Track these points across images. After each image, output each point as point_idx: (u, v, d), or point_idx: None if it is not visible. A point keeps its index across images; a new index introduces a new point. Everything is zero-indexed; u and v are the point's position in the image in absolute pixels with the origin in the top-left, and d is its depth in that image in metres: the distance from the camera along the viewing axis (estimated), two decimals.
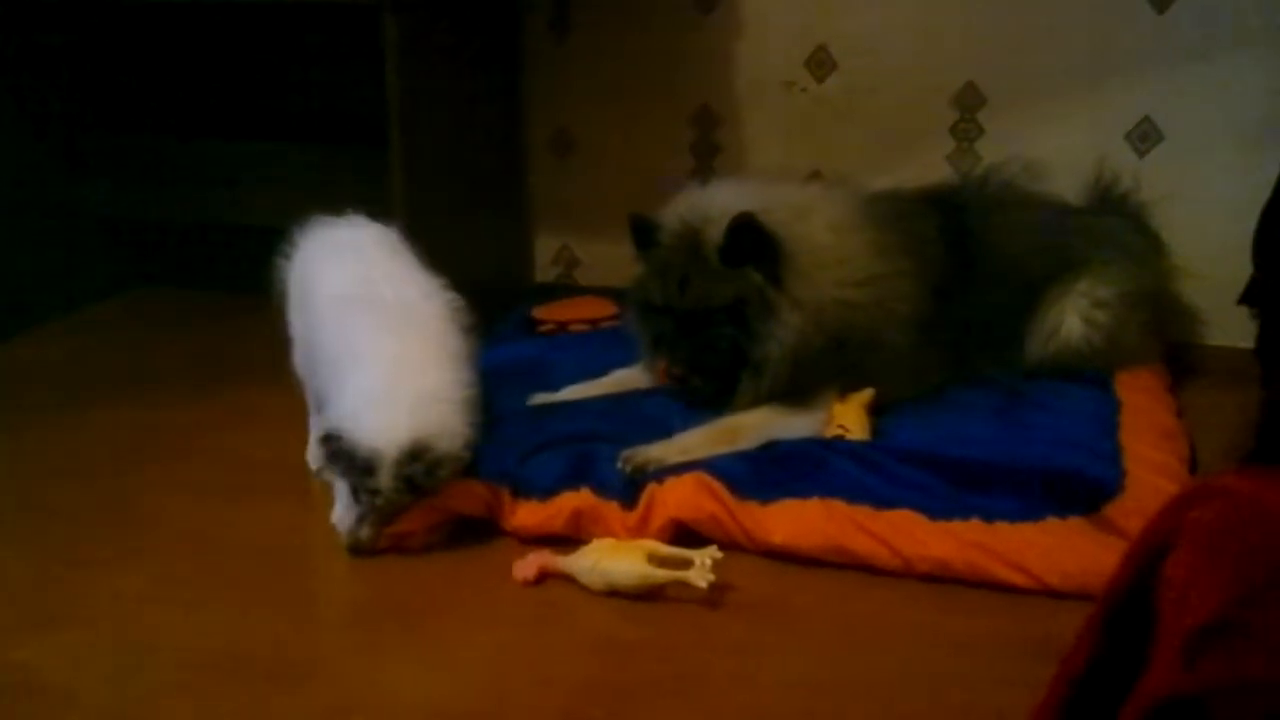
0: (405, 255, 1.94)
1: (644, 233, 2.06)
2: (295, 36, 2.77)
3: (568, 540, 1.77)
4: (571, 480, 1.81)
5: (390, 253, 1.93)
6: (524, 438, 1.92)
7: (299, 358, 1.94)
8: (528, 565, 1.69)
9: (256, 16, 2.74)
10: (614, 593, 1.64)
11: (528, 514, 1.80)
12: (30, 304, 2.75)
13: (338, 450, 1.66)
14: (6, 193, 2.71)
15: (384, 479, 1.66)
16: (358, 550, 1.74)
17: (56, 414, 2.28)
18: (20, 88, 2.71)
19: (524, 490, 1.81)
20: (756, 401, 1.98)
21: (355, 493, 1.70)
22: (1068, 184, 2.34)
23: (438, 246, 2.39)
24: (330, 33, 2.70)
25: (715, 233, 1.96)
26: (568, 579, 1.68)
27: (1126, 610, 0.81)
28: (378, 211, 2.23)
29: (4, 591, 1.68)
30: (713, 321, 1.98)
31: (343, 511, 1.75)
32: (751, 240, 1.94)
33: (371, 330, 1.78)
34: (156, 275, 3.05)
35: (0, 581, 1.70)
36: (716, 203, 2.01)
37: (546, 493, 1.80)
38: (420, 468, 1.66)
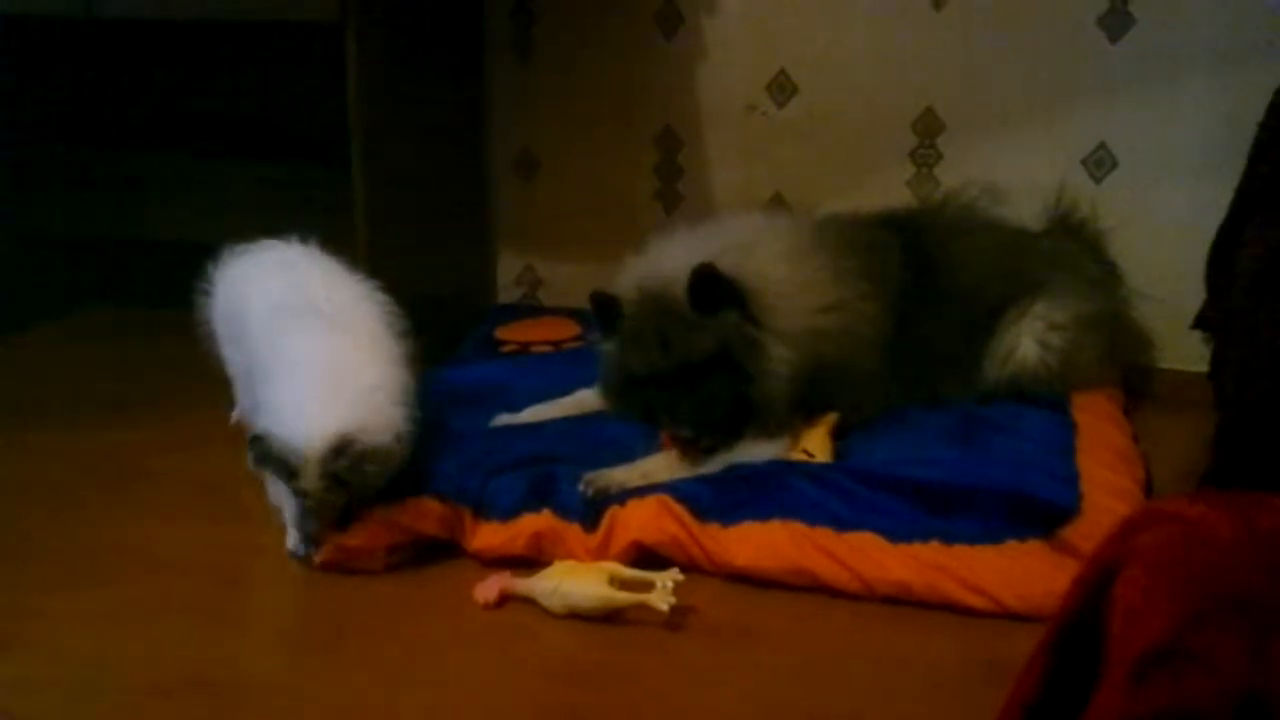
0: (333, 265, 1.95)
1: (607, 309, 2.00)
2: (258, 55, 2.76)
3: (529, 562, 1.76)
4: (533, 502, 1.80)
5: (318, 263, 1.94)
6: (486, 459, 1.90)
7: (241, 394, 1.92)
8: (488, 587, 1.69)
9: (218, 34, 2.73)
10: (575, 615, 1.63)
11: (489, 535, 1.79)
12: None
13: (264, 453, 1.65)
14: None
15: (309, 477, 1.64)
16: (297, 556, 1.73)
17: (2, 435, 2.24)
18: None
19: (485, 512, 1.80)
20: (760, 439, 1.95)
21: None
22: (1025, 209, 2.37)
23: (400, 266, 2.39)
24: (293, 51, 2.69)
25: (680, 288, 1.93)
26: (529, 601, 1.67)
27: (1076, 633, 0.82)
28: (340, 230, 2.23)
29: None
30: (704, 374, 1.93)
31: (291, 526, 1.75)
32: (718, 286, 1.92)
33: (300, 334, 1.78)
34: (110, 293, 3.01)
35: None
36: (668, 261, 1.98)
37: (507, 514, 1.79)
38: (345, 463, 1.65)
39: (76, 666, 1.53)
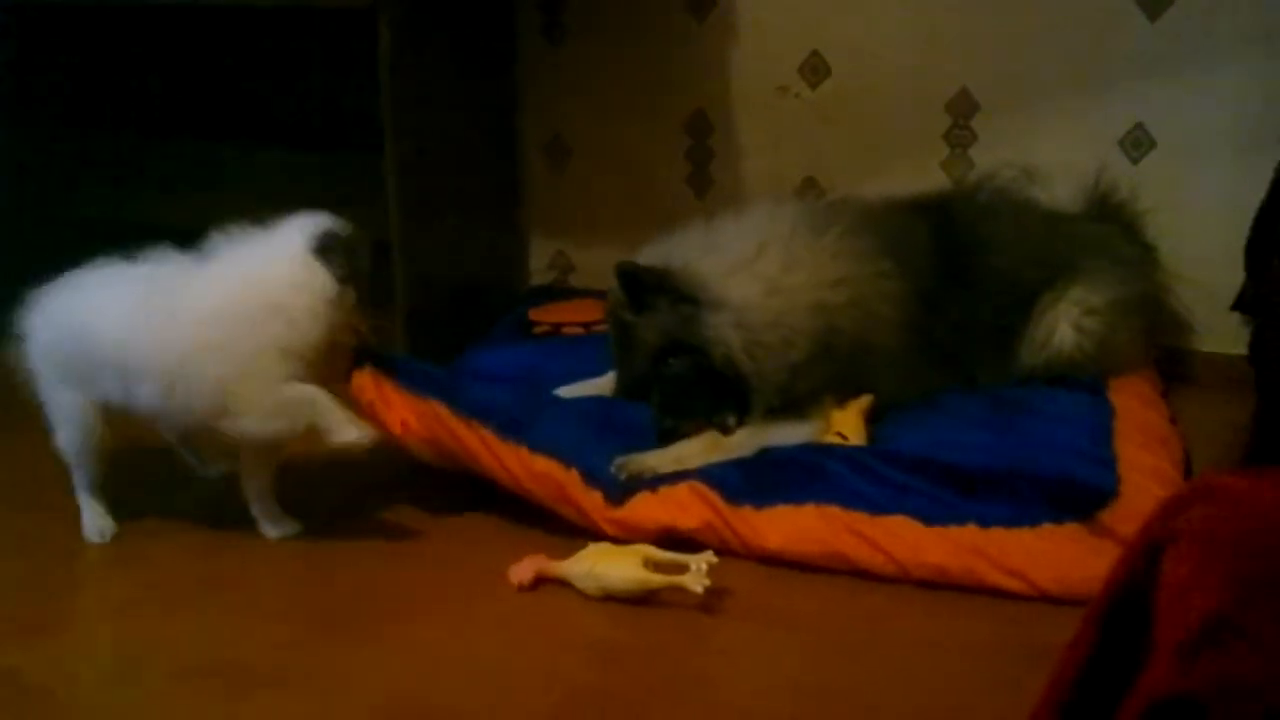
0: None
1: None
2: (293, 42, 2.77)
3: (549, 521, 1.78)
4: (565, 454, 1.80)
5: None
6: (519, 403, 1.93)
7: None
8: (523, 569, 1.69)
9: (253, 21, 2.75)
10: (609, 597, 1.64)
11: (514, 459, 1.80)
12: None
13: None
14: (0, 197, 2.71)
15: None
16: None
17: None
18: (15, 91, 2.70)
19: (513, 435, 1.81)
20: (766, 407, 1.96)
21: None
22: (1062, 190, 2.35)
23: (432, 251, 2.41)
24: (327, 39, 2.70)
25: (616, 293, 2.01)
26: (563, 583, 1.67)
27: (1124, 609, 0.81)
28: (372, 217, 2.24)
29: None
30: (664, 366, 1.97)
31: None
32: (641, 277, 1.96)
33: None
34: None
35: None
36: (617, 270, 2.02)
37: (536, 447, 1.80)
38: None
39: (112, 649, 1.56)
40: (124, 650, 1.56)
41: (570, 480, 1.79)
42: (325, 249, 1.72)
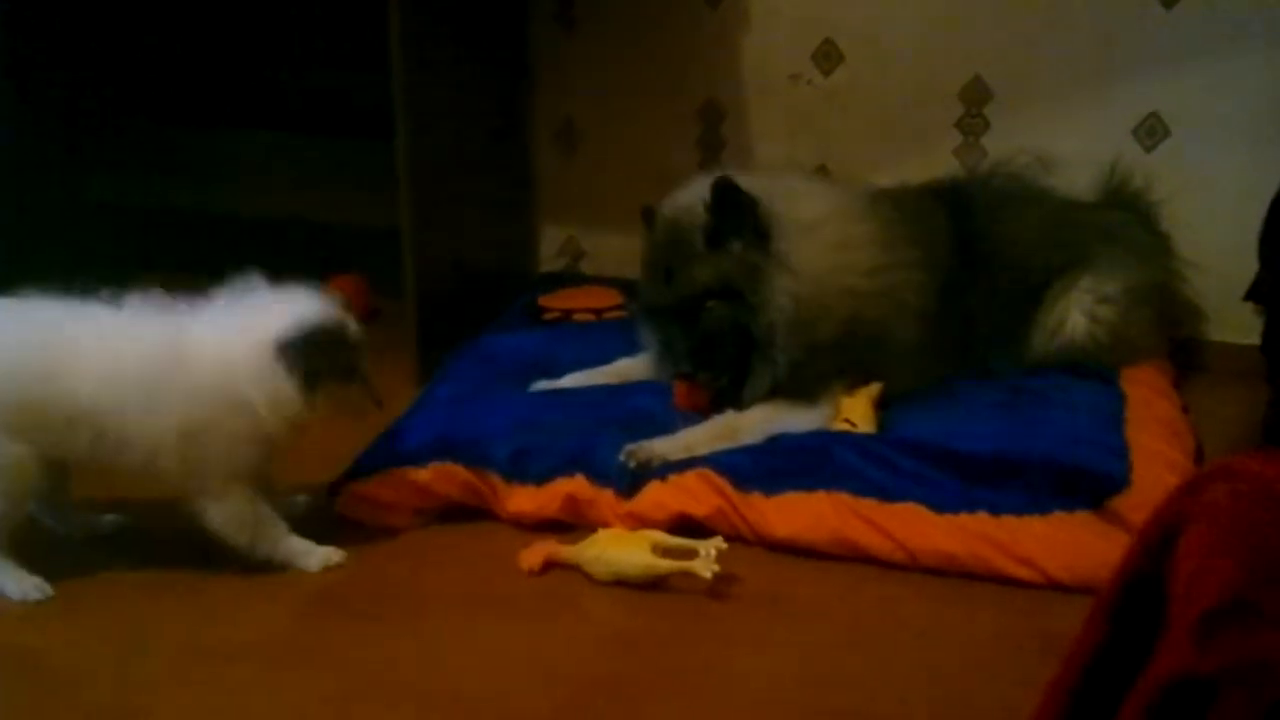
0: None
1: (650, 225, 2.04)
2: (302, 28, 2.78)
3: (566, 527, 1.78)
4: (567, 466, 1.81)
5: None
6: (523, 423, 1.92)
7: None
8: (533, 554, 1.70)
9: (263, 6, 2.75)
10: (619, 582, 1.64)
11: (524, 499, 1.80)
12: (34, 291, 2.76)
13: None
14: (11, 182, 2.71)
15: None
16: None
17: None
18: (24, 77, 2.71)
19: (517, 476, 1.81)
20: (773, 384, 1.94)
21: None
22: (1076, 179, 2.33)
23: (443, 237, 2.40)
24: (337, 25, 2.70)
25: (696, 216, 1.94)
26: (573, 568, 1.68)
27: (1138, 592, 0.81)
28: (385, 203, 2.25)
29: None
30: (701, 309, 1.93)
31: None
32: (734, 208, 1.90)
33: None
34: (159, 264, 3.05)
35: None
36: (697, 189, 1.98)
37: (541, 478, 1.80)
38: None
39: (126, 628, 1.56)
40: (141, 629, 1.57)
41: (578, 486, 1.79)
42: (290, 349, 1.58)
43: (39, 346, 1.58)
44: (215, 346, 1.60)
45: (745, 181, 1.96)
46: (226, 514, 1.63)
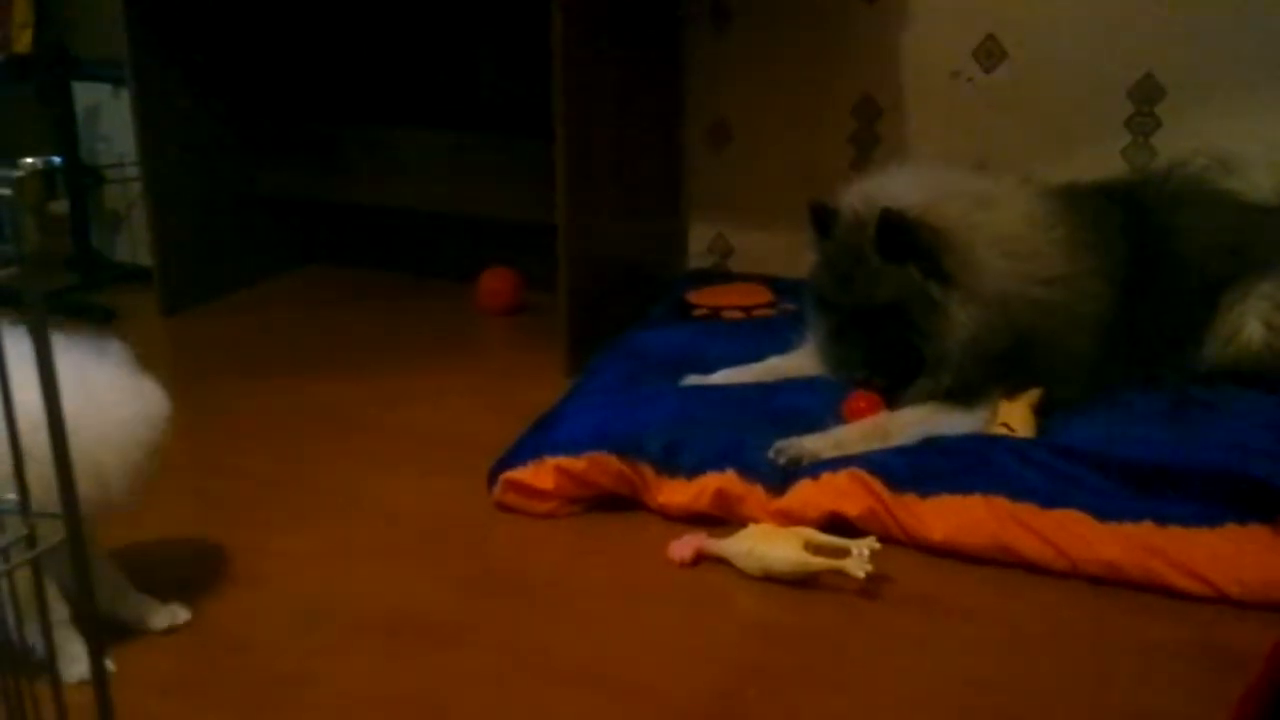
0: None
1: (823, 221, 2.01)
2: (471, 30, 2.87)
3: (714, 520, 1.79)
4: (718, 461, 1.82)
5: None
6: (676, 417, 1.94)
7: None
8: (684, 546, 1.71)
9: (432, 9, 2.84)
10: (769, 578, 1.64)
11: (674, 491, 1.82)
12: (212, 278, 2.95)
13: None
14: (194, 177, 2.89)
15: None
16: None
17: (236, 383, 2.41)
18: (203, 80, 2.87)
19: (669, 469, 1.83)
20: (932, 398, 1.92)
21: None
22: (1262, 182, 2.22)
23: (597, 233, 2.45)
24: (501, 29, 2.78)
25: (862, 225, 1.92)
26: (723, 562, 1.69)
27: None
28: (536, 199, 2.30)
29: (190, 549, 1.78)
30: (879, 321, 1.93)
31: None
32: (904, 236, 1.88)
33: None
34: (329, 255, 3.20)
35: (185, 540, 1.81)
36: (887, 193, 1.94)
37: (692, 471, 1.82)
38: None
39: (298, 601, 1.64)
40: (307, 602, 1.64)
41: (728, 481, 1.80)
42: None
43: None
44: None
45: (919, 191, 1.93)
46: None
